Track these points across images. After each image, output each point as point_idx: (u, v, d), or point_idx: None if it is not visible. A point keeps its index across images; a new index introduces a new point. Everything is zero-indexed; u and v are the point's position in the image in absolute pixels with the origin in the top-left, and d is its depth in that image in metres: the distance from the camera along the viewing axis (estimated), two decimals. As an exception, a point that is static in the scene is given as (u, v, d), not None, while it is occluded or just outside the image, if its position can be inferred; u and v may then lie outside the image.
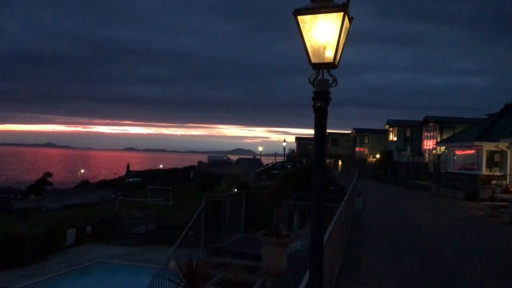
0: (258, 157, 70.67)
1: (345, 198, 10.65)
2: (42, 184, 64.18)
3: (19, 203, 46.44)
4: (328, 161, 53.64)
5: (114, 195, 44.76)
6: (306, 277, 3.65)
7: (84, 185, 71.42)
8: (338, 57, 3.26)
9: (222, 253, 10.02)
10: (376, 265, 9.15)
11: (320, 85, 3.21)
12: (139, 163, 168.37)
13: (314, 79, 3.26)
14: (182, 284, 4.29)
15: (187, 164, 78.11)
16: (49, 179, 66.85)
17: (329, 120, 3.35)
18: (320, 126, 3.22)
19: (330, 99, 3.21)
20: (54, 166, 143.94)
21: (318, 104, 3.15)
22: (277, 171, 37.52)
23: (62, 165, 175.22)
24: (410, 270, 8.84)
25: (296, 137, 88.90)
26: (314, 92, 3.23)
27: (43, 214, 35.78)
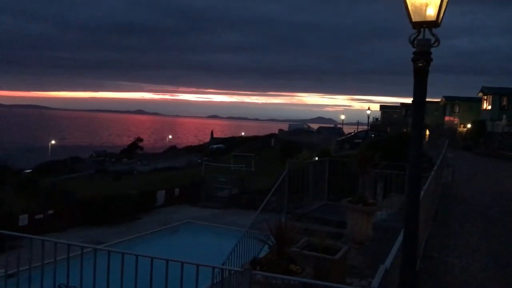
0: (339, 125, 69.46)
1: (435, 168, 10.20)
2: (134, 148, 68.25)
3: (113, 166, 50.00)
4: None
5: (199, 160, 46.57)
6: (400, 237, 3.58)
7: (172, 150, 75.02)
8: (441, 15, 3.05)
9: (305, 219, 10.10)
10: (465, 237, 8.75)
11: (421, 45, 3.04)
12: (222, 130, 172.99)
13: (415, 38, 3.10)
14: (269, 243, 4.42)
15: (268, 132, 78.89)
16: (140, 144, 70.87)
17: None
18: (420, 88, 3.07)
19: (431, 59, 3.04)
20: (144, 132, 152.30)
21: (420, 64, 2.99)
22: (360, 140, 36.65)
23: (151, 131, 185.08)
24: (502, 243, 8.35)
25: (380, 105, 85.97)
26: (414, 53, 3.07)
27: (135, 176, 38.30)
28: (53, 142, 75.90)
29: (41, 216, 17.80)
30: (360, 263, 7.03)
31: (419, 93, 3.07)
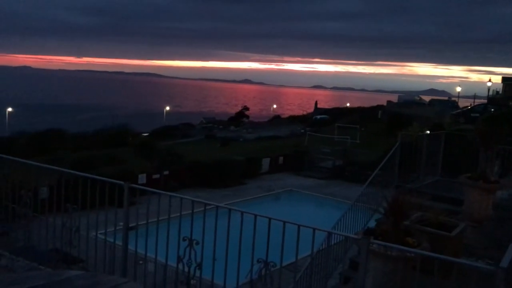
0: (453, 98, 64.94)
1: None
2: (240, 116, 70.29)
3: (221, 132, 52.12)
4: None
5: (303, 130, 46.68)
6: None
7: (276, 119, 75.97)
8: None
9: (416, 194, 9.70)
10: None
11: None
12: (326, 100, 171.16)
13: None
14: (381, 211, 4.35)
15: (375, 103, 76.21)
16: (246, 113, 72.79)
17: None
18: None
19: None
20: (250, 101, 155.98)
21: None
22: (477, 114, 34.04)
23: (257, 100, 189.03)
24: None
25: (502, 77, 78.22)
26: None
27: (241, 143, 39.59)
28: (167, 108, 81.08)
29: (157, 176, 19.25)
30: (477, 242, 6.64)
31: None
